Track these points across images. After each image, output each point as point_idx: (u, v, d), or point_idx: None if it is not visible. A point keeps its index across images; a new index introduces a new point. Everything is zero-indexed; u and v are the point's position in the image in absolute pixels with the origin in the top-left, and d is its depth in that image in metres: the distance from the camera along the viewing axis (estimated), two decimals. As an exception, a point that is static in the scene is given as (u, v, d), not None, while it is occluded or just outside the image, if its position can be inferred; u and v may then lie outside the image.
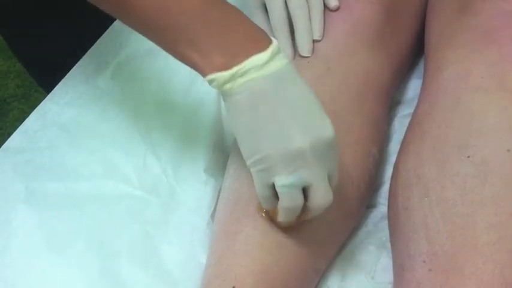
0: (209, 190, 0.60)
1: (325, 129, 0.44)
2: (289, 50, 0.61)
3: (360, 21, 0.62)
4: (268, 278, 0.49)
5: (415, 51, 0.69)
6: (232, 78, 0.43)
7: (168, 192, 0.60)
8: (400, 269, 0.51)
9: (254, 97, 0.44)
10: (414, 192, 0.52)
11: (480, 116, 0.52)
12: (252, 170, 0.46)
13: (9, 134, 0.65)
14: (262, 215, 0.51)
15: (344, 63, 0.60)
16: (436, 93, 0.57)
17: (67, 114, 0.66)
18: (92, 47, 0.71)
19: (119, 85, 0.68)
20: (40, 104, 0.67)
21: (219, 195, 0.58)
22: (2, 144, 0.64)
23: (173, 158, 0.62)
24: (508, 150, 0.49)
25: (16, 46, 0.82)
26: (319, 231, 0.53)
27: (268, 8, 0.62)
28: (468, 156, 0.50)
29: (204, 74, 0.45)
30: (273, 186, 0.45)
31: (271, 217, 0.51)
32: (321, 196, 0.46)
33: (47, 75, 0.77)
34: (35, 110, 0.67)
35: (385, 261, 0.55)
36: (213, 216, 0.58)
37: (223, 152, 0.63)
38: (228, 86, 0.44)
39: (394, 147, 0.63)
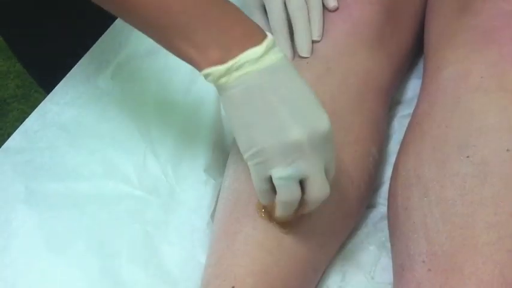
0: (209, 190, 0.60)
1: (322, 121, 0.44)
2: (288, 51, 0.61)
3: (359, 21, 0.62)
4: (268, 278, 0.49)
5: (415, 51, 0.69)
6: (228, 72, 0.44)
7: (168, 192, 0.60)
8: (399, 269, 0.51)
9: (249, 90, 0.44)
10: (414, 192, 0.52)
11: (480, 116, 0.52)
12: (249, 163, 0.46)
13: (9, 135, 0.65)
14: (261, 215, 0.51)
15: (344, 63, 0.60)
16: (435, 93, 0.57)
17: (67, 114, 0.66)
18: (92, 47, 0.71)
19: (119, 85, 0.68)
20: (40, 104, 0.67)
21: (218, 195, 0.58)
22: (2, 144, 0.64)
23: (173, 158, 0.62)
24: (508, 150, 0.49)
25: (16, 46, 0.82)
26: (319, 231, 0.53)
27: (267, 9, 0.62)
28: (468, 156, 0.50)
29: (200, 69, 0.45)
30: (271, 180, 0.46)
31: (270, 216, 0.51)
32: (318, 188, 0.46)
33: (47, 75, 0.77)
34: (35, 110, 0.67)
35: (385, 261, 0.55)
36: (213, 216, 0.58)
37: (223, 152, 0.63)
38: (223, 80, 0.44)
39: (393, 147, 0.63)
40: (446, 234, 0.48)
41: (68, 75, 0.69)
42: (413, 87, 0.68)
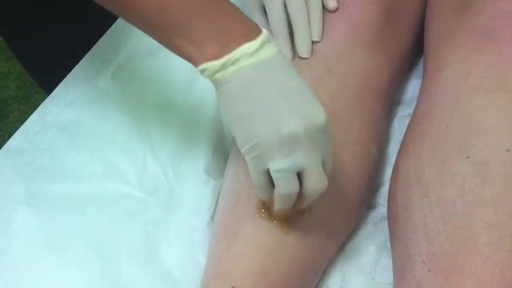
0: (209, 190, 0.60)
1: (318, 113, 0.45)
2: (288, 52, 0.61)
3: (359, 21, 0.62)
4: (267, 278, 0.49)
5: (415, 51, 0.69)
6: (223, 67, 0.44)
7: (168, 192, 0.60)
8: (400, 270, 0.51)
9: (245, 84, 0.44)
10: (414, 192, 0.52)
11: (480, 116, 0.52)
12: (246, 157, 0.46)
13: (9, 135, 0.65)
14: (261, 215, 0.51)
15: (343, 63, 0.60)
16: (435, 93, 0.57)
17: (67, 115, 0.66)
18: (92, 48, 0.71)
19: (119, 86, 0.68)
20: (40, 106, 0.67)
21: (219, 196, 0.58)
22: (3, 145, 0.64)
23: (173, 159, 0.62)
24: (508, 150, 0.49)
25: (16, 46, 0.82)
26: (319, 231, 0.53)
27: (267, 10, 0.62)
28: (468, 157, 0.50)
29: (196, 65, 0.46)
30: (269, 174, 0.46)
31: (270, 216, 0.51)
32: (316, 181, 0.46)
33: (47, 75, 0.77)
34: (35, 112, 0.67)
35: (385, 262, 0.55)
36: (213, 216, 0.58)
37: (223, 152, 0.63)
38: (219, 75, 0.44)
39: (393, 147, 0.63)
40: (446, 234, 0.48)
41: (68, 76, 0.69)
42: (413, 87, 0.68)
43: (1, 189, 0.61)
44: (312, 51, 0.61)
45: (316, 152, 0.45)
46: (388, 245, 0.55)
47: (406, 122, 0.60)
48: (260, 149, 0.45)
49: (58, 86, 0.69)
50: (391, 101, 0.66)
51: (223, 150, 0.64)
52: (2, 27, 0.78)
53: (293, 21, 0.61)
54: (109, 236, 0.57)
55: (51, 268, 0.55)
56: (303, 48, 0.60)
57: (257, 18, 0.64)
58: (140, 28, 0.48)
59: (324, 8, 0.62)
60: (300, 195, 0.47)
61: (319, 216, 0.53)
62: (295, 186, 0.46)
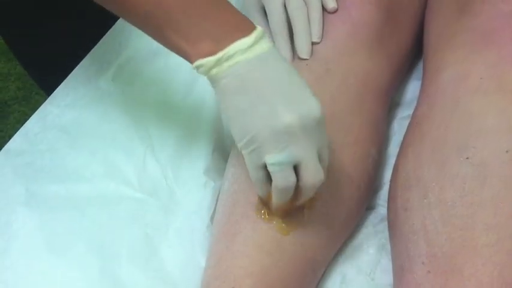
0: (209, 192, 0.60)
1: (313, 106, 0.45)
2: (288, 53, 0.61)
3: (359, 22, 0.62)
4: (267, 279, 0.49)
5: (415, 52, 0.69)
6: (218, 63, 0.45)
7: (168, 194, 0.60)
8: (399, 271, 0.51)
9: (240, 79, 0.45)
10: (413, 193, 0.52)
11: (479, 117, 0.52)
12: (243, 152, 0.46)
13: (10, 137, 0.65)
14: (261, 216, 0.51)
15: (343, 64, 0.60)
16: (435, 94, 0.57)
17: (67, 116, 0.66)
18: (93, 49, 0.72)
19: (120, 87, 0.68)
20: (40, 107, 0.67)
21: (218, 197, 0.58)
22: (3, 146, 0.64)
23: (173, 160, 0.62)
24: (507, 151, 0.49)
25: (16, 46, 0.83)
26: (318, 232, 0.53)
27: (267, 11, 0.62)
28: (467, 158, 0.50)
29: (192, 61, 0.46)
30: (266, 168, 0.46)
31: (269, 217, 0.51)
32: (312, 173, 0.46)
33: (47, 75, 0.77)
34: (35, 113, 0.67)
35: (385, 263, 0.55)
36: (212, 218, 0.58)
37: (223, 154, 0.63)
38: (214, 71, 0.45)
39: (393, 149, 0.63)
40: (446, 235, 0.48)
41: (68, 77, 0.70)
42: (413, 88, 0.68)
43: (1, 190, 0.61)
44: (312, 52, 0.61)
45: (311, 144, 0.45)
46: (388, 246, 0.55)
47: (406, 123, 0.60)
48: (256, 143, 0.45)
49: (58, 87, 0.69)
50: (391, 102, 0.65)
51: (223, 152, 0.64)
52: (2, 27, 0.78)
53: (293, 22, 0.61)
54: (109, 237, 0.57)
55: (52, 269, 0.55)
56: (303, 49, 0.60)
57: (257, 19, 0.64)
58: (137, 26, 0.49)
59: (324, 8, 0.62)
60: (297, 190, 0.47)
61: (319, 216, 0.53)
62: (291, 179, 0.46)
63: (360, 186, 0.56)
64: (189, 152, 0.63)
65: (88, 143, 0.64)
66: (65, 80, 0.69)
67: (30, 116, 0.67)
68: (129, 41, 0.71)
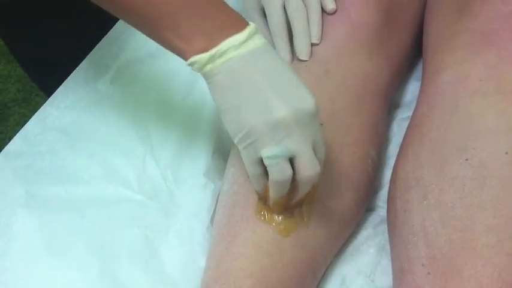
0: (208, 194, 0.60)
1: (307, 99, 0.45)
2: (287, 55, 0.61)
3: (358, 23, 0.62)
4: (266, 280, 0.49)
5: (414, 52, 0.69)
6: (212, 59, 0.45)
7: (167, 196, 0.60)
8: (399, 272, 0.51)
9: (233, 75, 0.45)
10: (413, 194, 0.52)
11: (478, 118, 0.52)
12: (239, 147, 0.47)
13: (10, 138, 0.65)
14: (260, 218, 0.51)
15: (342, 65, 0.60)
16: (434, 95, 0.57)
17: (67, 118, 0.66)
18: (92, 52, 0.72)
19: (119, 89, 0.68)
20: (40, 109, 0.68)
21: (218, 199, 0.58)
22: (3, 148, 0.65)
23: (173, 162, 0.62)
24: (507, 153, 0.49)
25: (16, 46, 0.83)
26: (318, 233, 0.53)
27: (266, 13, 0.62)
28: (467, 159, 0.50)
29: (186, 58, 0.46)
30: (262, 162, 0.46)
31: (269, 219, 0.51)
32: (308, 166, 0.46)
33: (46, 75, 0.77)
34: (35, 114, 0.67)
35: (385, 265, 0.55)
36: (212, 220, 0.58)
37: (223, 156, 0.63)
38: (208, 67, 0.46)
39: (393, 150, 0.63)
40: (446, 237, 0.48)
41: (68, 79, 0.70)
42: (412, 90, 0.68)
43: (1, 192, 0.61)
44: (311, 54, 0.61)
45: (306, 137, 0.45)
46: (388, 247, 0.55)
47: (406, 124, 0.60)
48: (252, 138, 0.45)
49: (58, 89, 0.69)
50: (390, 103, 0.65)
51: (222, 153, 0.64)
52: (2, 27, 0.78)
53: (292, 23, 0.61)
54: (109, 239, 0.57)
55: (51, 271, 0.55)
56: (302, 51, 0.60)
57: (257, 20, 0.64)
58: (133, 25, 0.49)
59: (323, 10, 0.62)
60: (294, 184, 0.47)
61: (318, 218, 0.53)
62: (287, 172, 0.46)
63: (360, 187, 0.56)
64: (189, 153, 0.63)
65: (87, 145, 0.64)
66: (64, 82, 0.69)
67: (30, 118, 0.67)
68: (128, 43, 0.71)
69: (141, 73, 0.69)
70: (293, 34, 0.61)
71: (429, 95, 0.58)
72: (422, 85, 0.61)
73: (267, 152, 0.45)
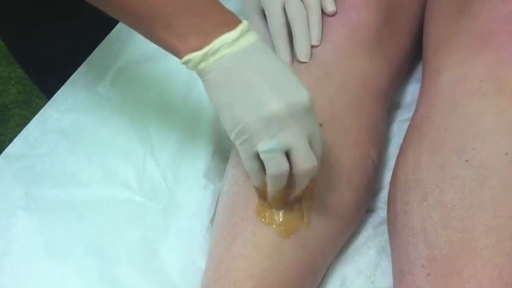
0: (208, 195, 0.60)
1: (300, 92, 0.46)
2: (287, 56, 0.61)
3: (358, 25, 0.62)
4: (267, 282, 0.49)
5: (414, 53, 0.69)
6: (205, 57, 0.46)
7: (167, 197, 0.60)
8: (399, 274, 0.51)
9: (226, 72, 0.46)
10: (413, 196, 0.52)
11: (478, 119, 0.52)
12: (236, 144, 0.47)
13: (10, 140, 0.65)
14: (261, 219, 0.51)
15: (342, 67, 0.60)
16: (434, 96, 0.57)
17: (67, 120, 0.66)
18: (92, 54, 0.72)
19: (119, 91, 0.68)
20: (40, 111, 0.68)
21: (218, 200, 0.58)
22: (3, 150, 0.65)
23: (173, 163, 0.62)
24: (506, 154, 0.49)
25: (16, 47, 0.83)
26: (318, 235, 0.53)
27: (266, 14, 0.62)
28: (466, 160, 0.50)
29: (180, 57, 0.47)
30: (259, 157, 0.47)
31: (269, 220, 0.51)
32: (304, 159, 0.46)
33: (46, 75, 0.77)
34: (35, 117, 0.67)
35: (385, 265, 0.55)
36: (212, 221, 0.58)
37: (223, 157, 0.63)
38: (202, 65, 0.46)
39: (393, 151, 0.63)
40: (446, 238, 0.48)
41: (68, 81, 0.70)
42: (412, 91, 0.68)
43: (1, 194, 0.61)
44: (311, 55, 0.61)
45: (301, 131, 0.46)
46: (388, 248, 0.55)
47: (406, 126, 0.60)
48: (247, 133, 0.46)
49: (58, 91, 0.69)
50: (390, 105, 0.65)
51: (222, 154, 0.64)
52: (2, 28, 0.79)
53: (292, 24, 0.61)
54: (108, 240, 0.57)
55: (51, 273, 0.55)
56: (302, 52, 0.60)
57: (257, 22, 0.64)
58: (129, 24, 0.50)
59: (323, 11, 0.62)
60: (291, 179, 0.48)
61: (318, 219, 0.53)
62: (284, 165, 0.46)
63: (360, 188, 0.56)
64: (189, 153, 0.63)
65: (87, 147, 0.64)
66: (65, 85, 0.70)
67: (30, 120, 0.67)
68: (128, 45, 0.71)
69: (141, 74, 0.69)
70: (293, 36, 0.61)
71: (429, 96, 0.58)
72: (422, 86, 0.61)
73: (263, 146, 0.45)
